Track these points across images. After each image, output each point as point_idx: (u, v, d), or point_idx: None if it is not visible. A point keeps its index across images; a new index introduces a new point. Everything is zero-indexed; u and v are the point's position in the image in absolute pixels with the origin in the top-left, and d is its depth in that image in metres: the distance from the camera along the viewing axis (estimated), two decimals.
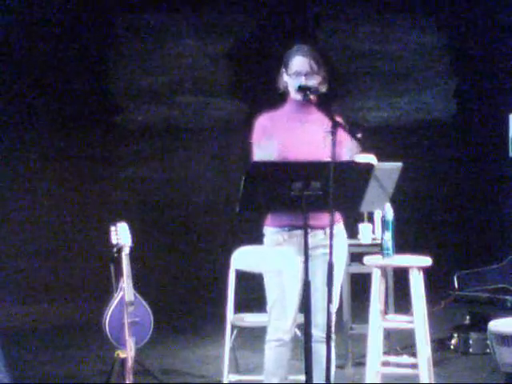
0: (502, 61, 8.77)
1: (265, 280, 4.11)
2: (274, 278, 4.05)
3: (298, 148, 3.99)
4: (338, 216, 4.03)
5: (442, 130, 9.19)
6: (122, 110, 8.91)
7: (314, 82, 4.00)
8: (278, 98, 4.17)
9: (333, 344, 3.89)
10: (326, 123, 3.79)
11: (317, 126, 4.00)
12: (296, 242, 3.99)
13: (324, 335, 3.69)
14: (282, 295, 4.02)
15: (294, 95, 4.05)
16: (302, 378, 4.23)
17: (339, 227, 4.08)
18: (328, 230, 3.92)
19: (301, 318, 4.13)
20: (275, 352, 4.06)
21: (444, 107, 9.21)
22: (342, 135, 3.74)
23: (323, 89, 4.04)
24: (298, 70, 4.01)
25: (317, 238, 3.97)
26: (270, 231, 4.09)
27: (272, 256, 4.07)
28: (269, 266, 4.09)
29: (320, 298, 3.81)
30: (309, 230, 3.78)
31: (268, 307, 4.09)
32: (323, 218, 3.76)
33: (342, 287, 5.57)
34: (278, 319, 4.04)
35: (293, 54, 4.06)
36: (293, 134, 4.03)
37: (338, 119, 3.89)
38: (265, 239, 4.13)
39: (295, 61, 4.03)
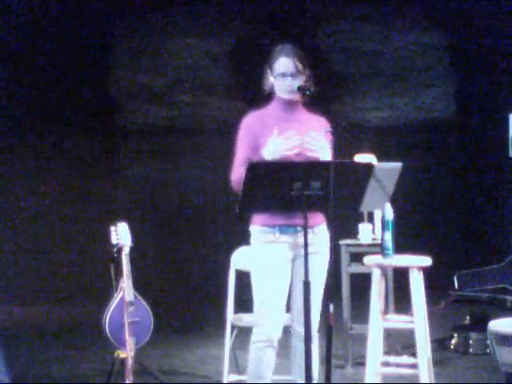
0: (502, 61, 8.76)
1: (252, 279, 4.07)
2: (263, 278, 4.00)
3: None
4: (321, 217, 4.02)
5: (442, 130, 9.19)
6: (122, 109, 8.92)
7: (300, 82, 3.98)
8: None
9: (316, 342, 4.01)
10: (314, 122, 3.99)
11: (306, 125, 4.01)
12: (287, 240, 3.98)
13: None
14: (271, 294, 3.99)
15: (282, 95, 4.03)
16: (286, 378, 4.25)
17: (323, 227, 4.06)
18: (315, 229, 3.96)
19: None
20: (263, 353, 4.01)
21: (444, 107, 9.21)
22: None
23: (312, 88, 3.99)
24: (283, 71, 3.98)
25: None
26: (259, 230, 4.03)
27: (261, 255, 4.03)
28: (258, 266, 4.05)
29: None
30: (299, 229, 3.89)
31: (256, 307, 4.04)
32: (311, 218, 3.77)
33: (341, 287, 5.65)
34: (268, 319, 4.00)
35: (277, 55, 4.02)
36: (286, 133, 4.00)
37: (323, 119, 3.99)
38: (252, 239, 4.08)
39: (280, 62, 4.00)
